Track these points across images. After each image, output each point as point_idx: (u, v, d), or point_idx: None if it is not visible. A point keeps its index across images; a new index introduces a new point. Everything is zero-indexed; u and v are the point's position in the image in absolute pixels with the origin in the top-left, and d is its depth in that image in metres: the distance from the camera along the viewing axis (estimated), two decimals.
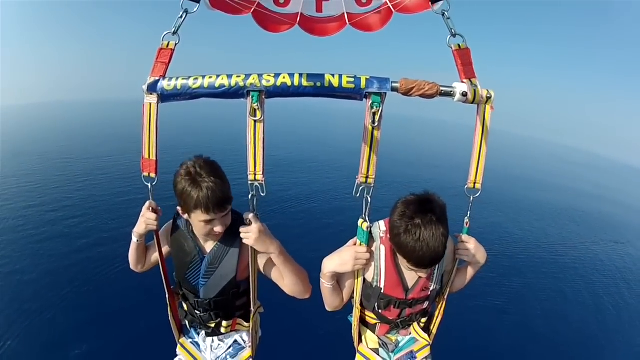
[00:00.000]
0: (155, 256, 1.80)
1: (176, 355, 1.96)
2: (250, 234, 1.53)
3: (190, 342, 1.95)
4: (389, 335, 1.89)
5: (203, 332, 1.92)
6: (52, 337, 4.51)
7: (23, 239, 6.90)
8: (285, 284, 1.72)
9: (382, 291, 1.70)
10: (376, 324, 1.84)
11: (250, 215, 1.54)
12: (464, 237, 1.68)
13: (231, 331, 1.90)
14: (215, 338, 1.92)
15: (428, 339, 1.84)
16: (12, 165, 12.57)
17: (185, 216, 1.61)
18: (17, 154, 14.31)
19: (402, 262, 1.54)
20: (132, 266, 1.88)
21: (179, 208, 1.61)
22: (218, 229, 1.58)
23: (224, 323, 1.84)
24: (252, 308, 1.79)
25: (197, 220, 1.55)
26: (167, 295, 1.82)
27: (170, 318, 1.88)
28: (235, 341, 1.92)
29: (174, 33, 1.48)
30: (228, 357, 1.89)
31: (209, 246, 1.74)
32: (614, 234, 11.94)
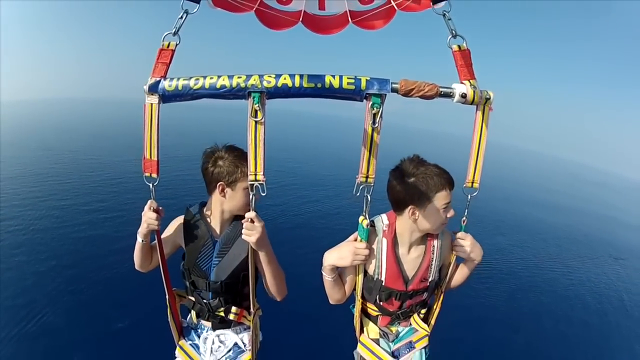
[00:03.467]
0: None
1: (175, 357, 1.97)
2: (254, 231, 1.56)
3: (190, 344, 1.95)
4: (390, 327, 1.95)
5: (208, 325, 1.93)
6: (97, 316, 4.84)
7: (65, 234, 7.00)
8: (265, 282, 1.80)
9: (383, 284, 1.76)
10: (377, 315, 1.91)
11: (253, 215, 1.55)
12: (461, 234, 1.74)
13: (238, 323, 1.92)
14: (216, 339, 1.93)
15: (427, 329, 1.91)
16: (41, 159, 12.57)
17: (225, 191, 1.72)
18: (46, 149, 14.22)
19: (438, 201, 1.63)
20: (137, 266, 1.89)
21: (221, 184, 1.70)
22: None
23: (233, 309, 1.86)
24: (252, 310, 1.82)
25: (243, 187, 1.69)
26: (167, 297, 1.83)
27: (169, 319, 1.88)
28: (236, 344, 1.94)
29: (175, 34, 1.46)
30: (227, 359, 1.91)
31: (220, 230, 1.83)
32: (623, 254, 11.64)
